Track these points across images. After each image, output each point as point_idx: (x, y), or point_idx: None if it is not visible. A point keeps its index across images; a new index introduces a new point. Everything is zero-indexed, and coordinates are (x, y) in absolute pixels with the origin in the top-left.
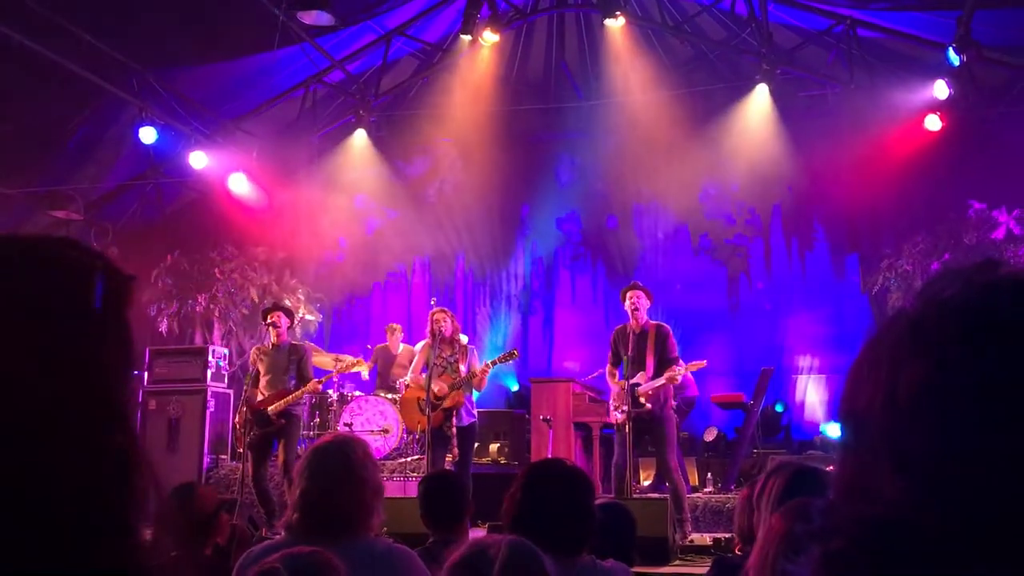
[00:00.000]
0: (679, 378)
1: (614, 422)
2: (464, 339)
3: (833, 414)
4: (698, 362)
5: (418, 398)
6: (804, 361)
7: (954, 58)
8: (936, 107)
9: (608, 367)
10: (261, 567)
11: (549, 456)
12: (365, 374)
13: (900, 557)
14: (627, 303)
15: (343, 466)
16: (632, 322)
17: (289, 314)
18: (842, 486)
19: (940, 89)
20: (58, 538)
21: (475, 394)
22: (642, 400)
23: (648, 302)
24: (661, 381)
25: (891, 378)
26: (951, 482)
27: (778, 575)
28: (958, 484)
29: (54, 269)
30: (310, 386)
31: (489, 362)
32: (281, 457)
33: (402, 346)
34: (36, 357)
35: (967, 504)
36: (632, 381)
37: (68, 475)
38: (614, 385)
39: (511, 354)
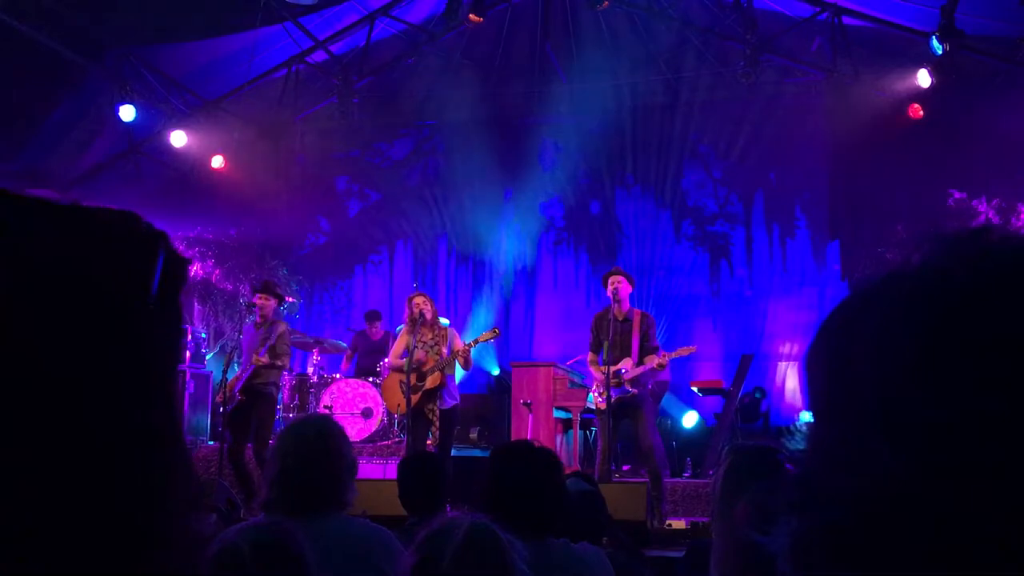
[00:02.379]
0: (667, 363)
1: (595, 407)
2: (445, 321)
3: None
4: (688, 347)
5: (399, 380)
6: (784, 348)
7: (937, 47)
8: (919, 96)
9: (590, 354)
10: (221, 545)
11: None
12: (347, 359)
13: (889, 530)
14: (609, 288)
15: (318, 443)
16: (614, 307)
17: (277, 296)
18: (821, 456)
19: (923, 78)
20: (110, 544)
21: (459, 375)
22: (628, 388)
23: (630, 287)
24: (652, 366)
25: (886, 343)
26: (953, 453)
27: (747, 548)
28: (961, 455)
29: (115, 245)
30: (260, 359)
31: (471, 341)
32: (253, 438)
33: (382, 332)
34: (83, 346)
35: (970, 476)
36: (616, 367)
37: (115, 487)
38: (596, 372)
39: (492, 332)
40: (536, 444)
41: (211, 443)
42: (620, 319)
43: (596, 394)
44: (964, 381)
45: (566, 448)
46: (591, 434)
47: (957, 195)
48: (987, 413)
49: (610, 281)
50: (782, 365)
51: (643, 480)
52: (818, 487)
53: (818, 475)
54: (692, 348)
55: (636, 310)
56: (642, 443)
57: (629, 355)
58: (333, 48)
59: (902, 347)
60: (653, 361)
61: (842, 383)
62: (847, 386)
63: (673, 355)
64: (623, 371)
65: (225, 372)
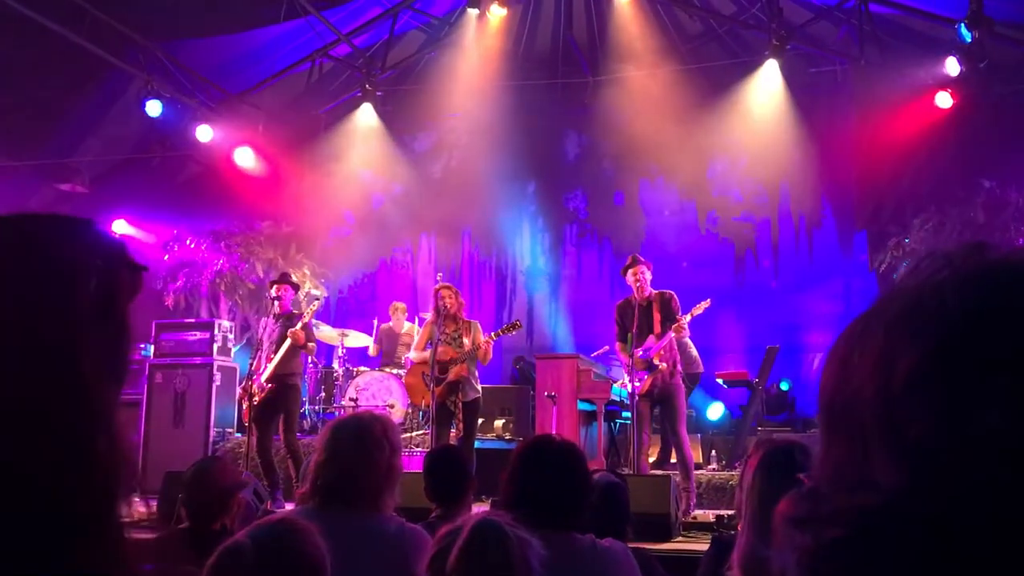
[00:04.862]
0: (685, 326)
1: (636, 393)
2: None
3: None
4: (702, 303)
5: (423, 373)
6: (810, 339)
7: (966, 34)
8: (947, 84)
9: (618, 343)
10: (227, 543)
11: (552, 432)
12: (372, 351)
13: (902, 548)
14: (631, 279)
15: (358, 445)
16: (636, 295)
17: (294, 286)
18: (830, 472)
19: (951, 66)
20: (33, 540)
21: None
22: (656, 361)
23: (650, 274)
24: (669, 335)
25: (887, 362)
26: (954, 469)
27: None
28: (962, 471)
29: (45, 257)
30: (296, 337)
31: (492, 334)
32: (282, 429)
33: (406, 324)
34: (14, 353)
35: (971, 491)
36: (644, 347)
37: (42, 479)
38: (626, 357)
39: (514, 325)
40: (558, 439)
41: (238, 435)
42: (643, 304)
43: (630, 381)
44: (963, 399)
45: (590, 440)
46: (615, 426)
47: (987, 184)
48: (986, 430)
49: (631, 272)
50: (808, 356)
51: (667, 473)
52: (822, 502)
53: (823, 490)
54: (706, 302)
55: (654, 292)
56: (674, 432)
57: (652, 333)
58: (357, 41)
59: (902, 365)
60: (674, 330)
61: (845, 400)
62: (850, 403)
63: (689, 316)
64: (649, 349)
65: (251, 365)
